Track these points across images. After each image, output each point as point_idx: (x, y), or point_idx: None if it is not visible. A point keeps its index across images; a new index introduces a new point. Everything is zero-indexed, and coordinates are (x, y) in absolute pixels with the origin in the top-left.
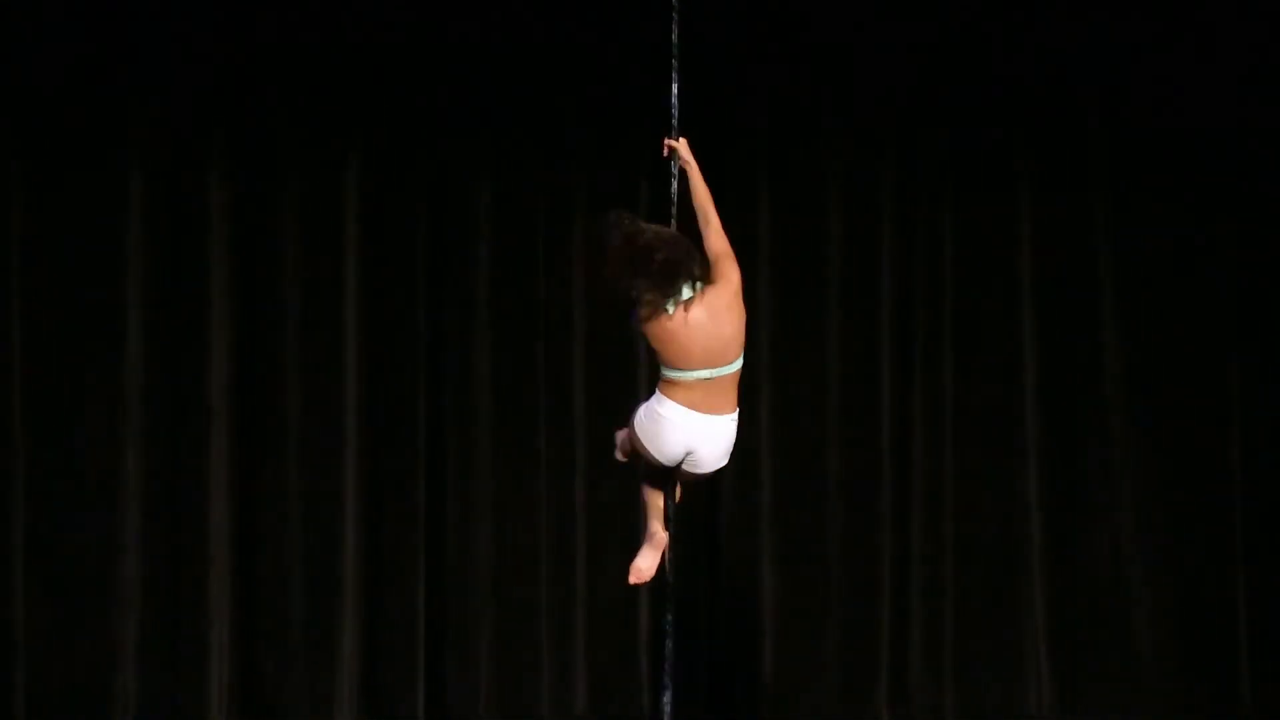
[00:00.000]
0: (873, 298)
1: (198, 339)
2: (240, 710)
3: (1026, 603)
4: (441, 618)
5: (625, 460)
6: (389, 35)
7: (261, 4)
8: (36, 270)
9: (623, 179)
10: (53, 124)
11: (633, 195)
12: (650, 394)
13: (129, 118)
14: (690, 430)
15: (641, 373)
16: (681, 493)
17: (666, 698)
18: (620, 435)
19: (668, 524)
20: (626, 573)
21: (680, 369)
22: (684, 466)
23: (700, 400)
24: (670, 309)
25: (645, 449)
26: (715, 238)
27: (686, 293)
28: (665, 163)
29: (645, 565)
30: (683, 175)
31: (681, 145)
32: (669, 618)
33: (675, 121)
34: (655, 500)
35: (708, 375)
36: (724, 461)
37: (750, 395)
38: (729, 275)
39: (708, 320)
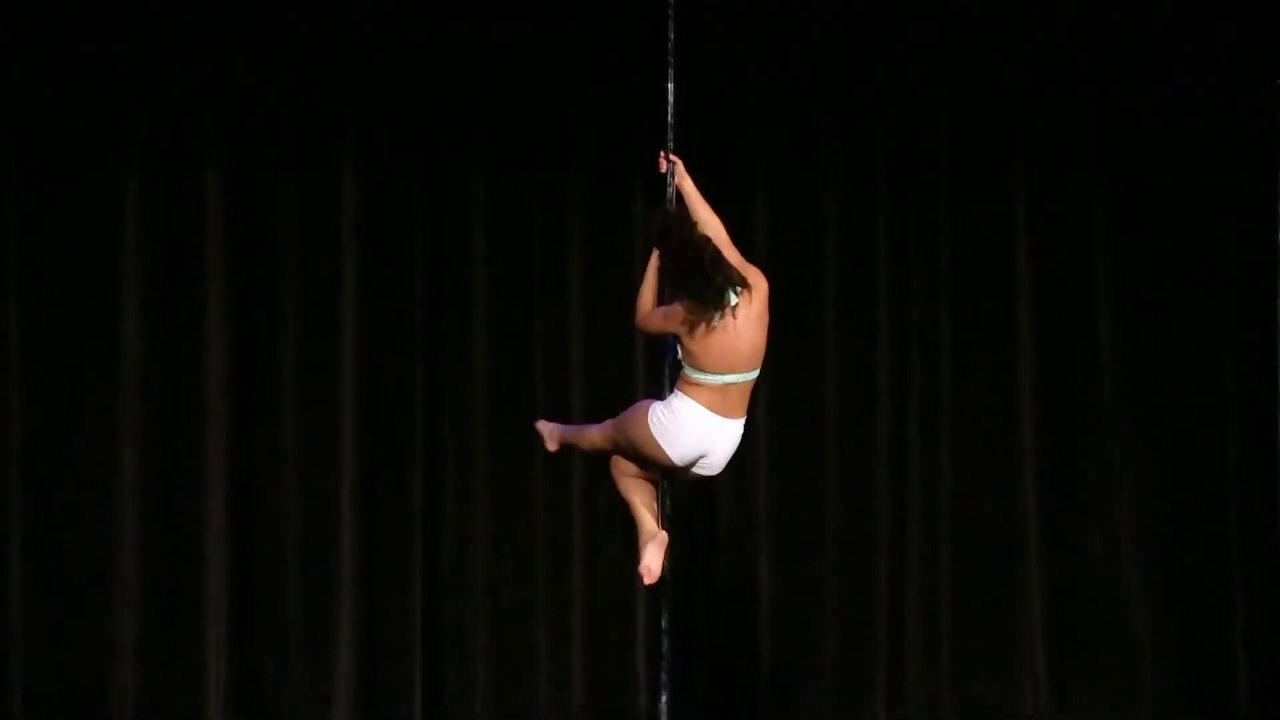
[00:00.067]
0: (870, 297)
1: (195, 339)
2: (238, 710)
3: (1024, 603)
4: (439, 618)
5: (557, 451)
6: (386, 35)
7: (258, 4)
8: (34, 270)
9: (619, 178)
10: (50, 124)
11: (628, 194)
12: (648, 394)
13: (126, 117)
14: (710, 432)
15: (639, 372)
16: (655, 491)
17: (664, 698)
18: (551, 427)
19: (661, 523)
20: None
21: (710, 372)
22: (691, 469)
23: (721, 403)
24: (719, 314)
25: (656, 448)
26: (729, 251)
27: (732, 299)
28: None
29: (656, 564)
30: (679, 193)
31: (679, 170)
32: (666, 618)
33: (671, 120)
34: (645, 499)
35: (734, 380)
36: (725, 464)
37: None
38: (758, 284)
39: (743, 327)
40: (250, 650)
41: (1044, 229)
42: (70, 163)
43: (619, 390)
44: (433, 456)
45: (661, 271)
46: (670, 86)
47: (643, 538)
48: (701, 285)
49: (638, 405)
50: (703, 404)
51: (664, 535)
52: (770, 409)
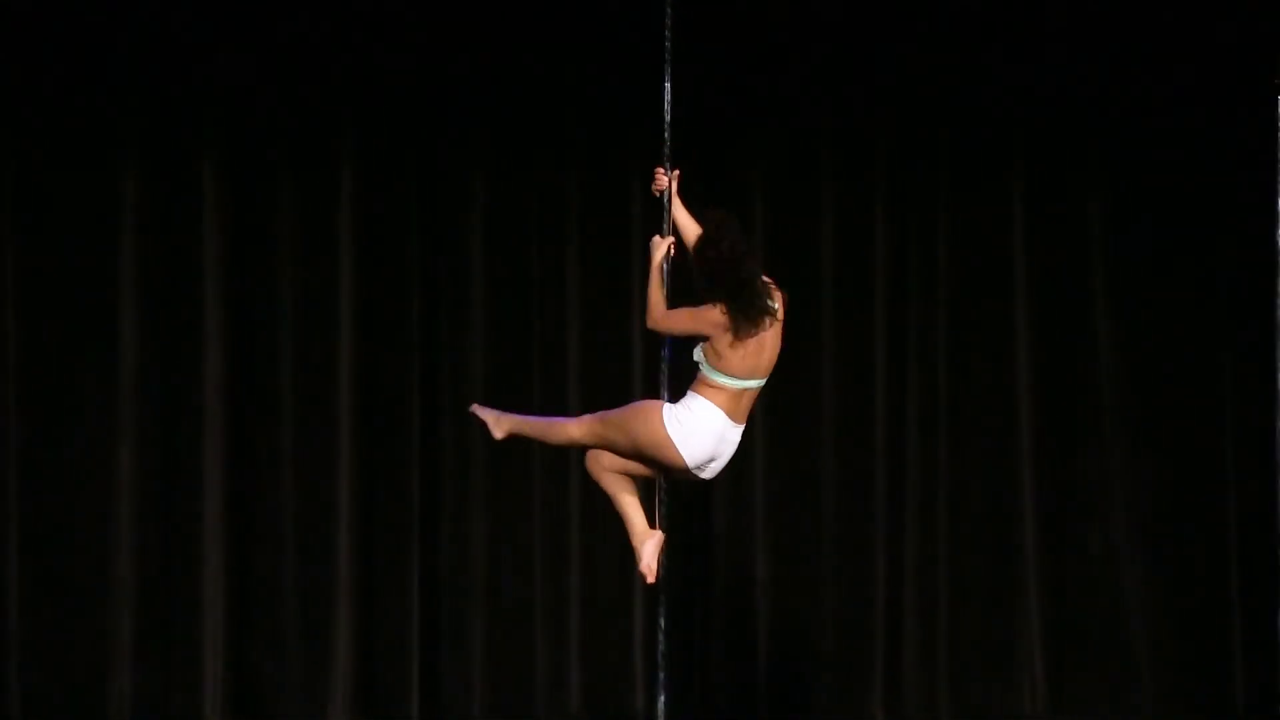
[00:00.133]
0: (868, 298)
1: (193, 338)
2: (235, 709)
3: (1021, 603)
4: (437, 617)
5: (503, 439)
6: (385, 35)
7: (257, 3)
8: (32, 269)
9: (618, 178)
10: (47, 124)
11: (625, 195)
12: (645, 394)
13: (124, 117)
14: (723, 435)
15: (636, 372)
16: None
17: (661, 698)
18: (495, 414)
19: (659, 523)
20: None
21: (736, 377)
22: (691, 472)
23: (735, 408)
24: (766, 323)
25: (670, 450)
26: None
27: (774, 306)
28: (658, 163)
29: (655, 563)
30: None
31: (676, 203)
32: (663, 618)
33: (669, 119)
34: (632, 496)
35: (753, 385)
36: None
37: None
38: (782, 297)
39: (769, 337)
40: (248, 650)
41: (1042, 229)
42: (68, 162)
43: (617, 390)
44: (430, 456)
45: (690, 275)
46: (668, 86)
47: (637, 537)
48: (750, 296)
49: (642, 405)
50: (721, 408)
51: (660, 534)
52: (769, 409)
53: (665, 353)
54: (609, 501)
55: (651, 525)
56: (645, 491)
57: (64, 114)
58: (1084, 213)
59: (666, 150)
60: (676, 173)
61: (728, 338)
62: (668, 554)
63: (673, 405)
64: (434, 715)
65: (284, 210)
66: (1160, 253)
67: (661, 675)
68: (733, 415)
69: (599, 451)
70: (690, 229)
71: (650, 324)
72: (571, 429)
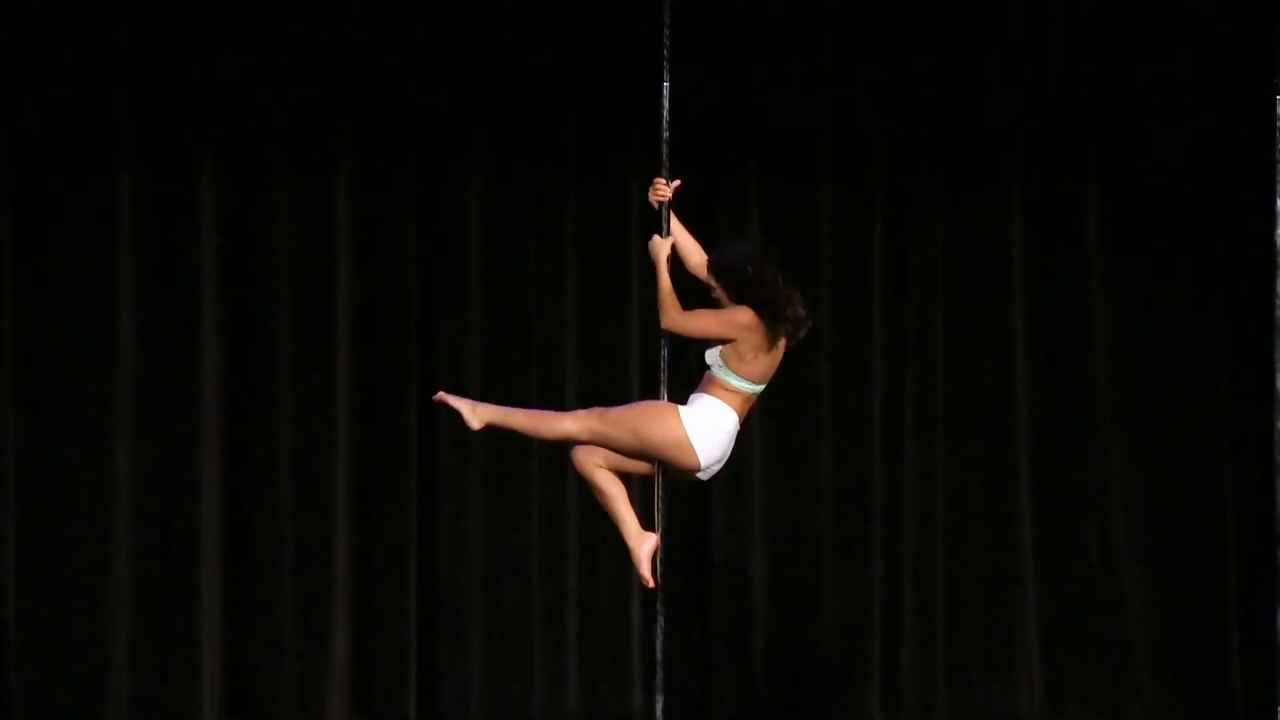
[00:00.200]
0: (865, 298)
1: (190, 338)
2: (232, 709)
3: (1018, 603)
4: (434, 617)
5: (480, 430)
6: (383, 35)
7: (254, 4)
8: (29, 269)
9: (616, 178)
10: (44, 124)
11: (624, 195)
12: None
13: (121, 116)
14: (733, 438)
15: (634, 372)
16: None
17: (659, 698)
18: (469, 403)
19: (655, 524)
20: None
21: (751, 381)
22: (700, 473)
23: (744, 412)
24: (803, 332)
25: (686, 451)
26: None
27: (807, 316)
28: (656, 163)
29: (651, 564)
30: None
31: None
32: (661, 618)
33: (667, 119)
34: (623, 495)
35: (760, 390)
36: None
37: None
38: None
39: (781, 345)
40: (246, 650)
41: (1041, 229)
42: (66, 161)
43: (615, 390)
44: (428, 456)
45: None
46: (666, 86)
47: (632, 539)
48: (784, 307)
49: (656, 405)
50: (735, 410)
51: (655, 537)
52: (767, 410)
53: (665, 354)
54: (598, 498)
55: (648, 526)
56: (636, 490)
57: (62, 113)
58: (1083, 213)
59: (665, 159)
60: (677, 183)
61: (754, 341)
62: (666, 554)
63: (687, 407)
64: (432, 715)
65: (282, 210)
66: (1159, 253)
67: (660, 675)
68: (741, 418)
69: (591, 448)
70: (691, 251)
71: (667, 325)
72: (566, 424)
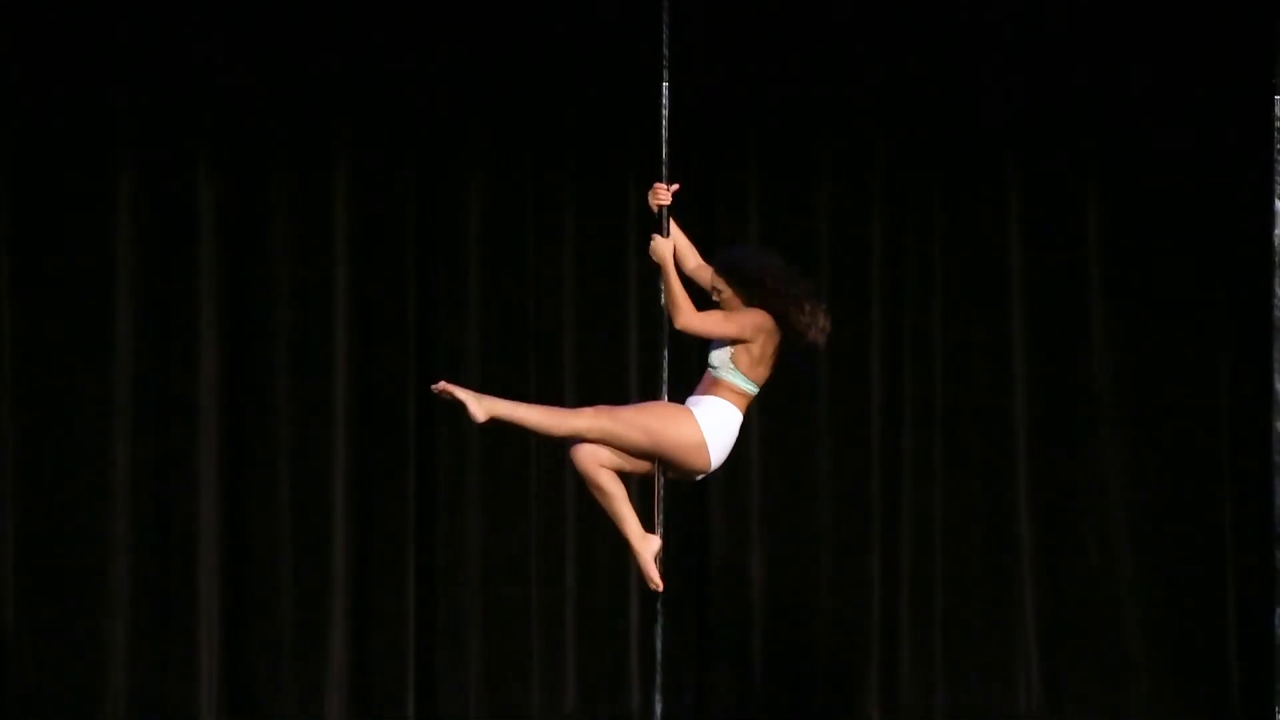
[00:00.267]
0: (863, 297)
1: (188, 337)
2: (230, 709)
3: (1016, 604)
4: (432, 617)
5: (485, 423)
6: (381, 34)
7: (252, 4)
8: (27, 269)
9: (615, 178)
10: (42, 124)
11: (622, 195)
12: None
13: (119, 116)
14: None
15: (632, 372)
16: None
17: (657, 699)
18: (474, 395)
19: (655, 526)
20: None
21: (755, 383)
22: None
23: (744, 413)
24: (819, 341)
25: (700, 453)
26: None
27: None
28: (655, 164)
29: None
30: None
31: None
32: (659, 618)
33: (665, 118)
34: (625, 496)
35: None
36: None
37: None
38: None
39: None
40: (244, 649)
41: (1039, 229)
42: (64, 161)
43: (613, 390)
44: (426, 455)
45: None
46: (665, 86)
47: (638, 542)
48: (802, 313)
49: (670, 407)
50: (740, 412)
51: (658, 539)
52: (765, 409)
53: (666, 355)
54: (600, 498)
55: (647, 527)
56: (634, 490)
57: (60, 113)
58: (1082, 212)
59: (665, 161)
60: (675, 186)
61: (766, 344)
62: (664, 554)
63: (699, 409)
64: (430, 714)
65: (280, 210)
66: (1158, 253)
67: (658, 675)
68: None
69: (596, 447)
70: (688, 255)
71: (682, 325)
72: (574, 421)
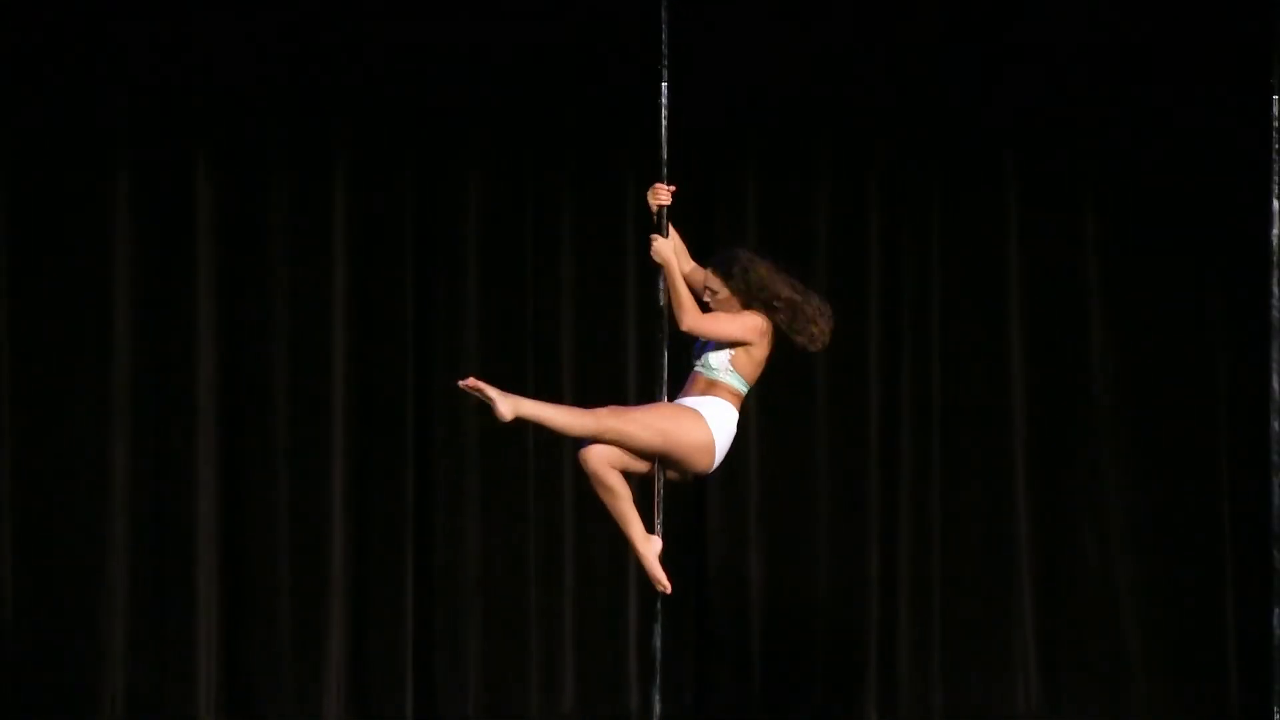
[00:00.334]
0: (862, 297)
1: (186, 337)
2: (228, 709)
3: (1015, 603)
4: (430, 617)
5: (509, 421)
6: (379, 33)
7: (251, 3)
8: (25, 268)
9: (613, 177)
10: (41, 122)
11: (621, 195)
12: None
13: (117, 115)
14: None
15: (630, 372)
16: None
17: (656, 699)
18: (502, 393)
19: (656, 527)
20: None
21: (749, 384)
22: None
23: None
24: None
25: (707, 454)
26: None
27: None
28: (654, 164)
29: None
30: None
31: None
32: (657, 620)
33: (665, 118)
34: (630, 497)
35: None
36: None
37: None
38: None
39: None
40: (242, 649)
41: (1037, 229)
42: (62, 161)
43: (612, 390)
44: (424, 456)
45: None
46: (664, 86)
47: (641, 544)
48: (808, 322)
49: (681, 408)
50: (737, 412)
51: (659, 540)
52: (763, 409)
53: (665, 355)
54: (606, 498)
55: (647, 527)
56: (635, 491)
57: (57, 112)
58: (1080, 213)
59: (664, 161)
60: (673, 187)
61: (766, 346)
62: (663, 554)
63: (707, 411)
64: (429, 714)
65: (278, 209)
66: (1157, 253)
67: (657, 675)
68: None
69: (608, 448)
70: (684, 257)
71: (687, 325)
72: (592, 420)
